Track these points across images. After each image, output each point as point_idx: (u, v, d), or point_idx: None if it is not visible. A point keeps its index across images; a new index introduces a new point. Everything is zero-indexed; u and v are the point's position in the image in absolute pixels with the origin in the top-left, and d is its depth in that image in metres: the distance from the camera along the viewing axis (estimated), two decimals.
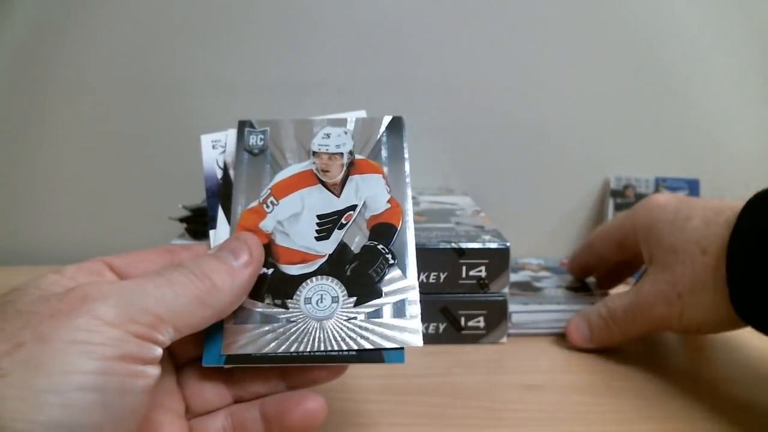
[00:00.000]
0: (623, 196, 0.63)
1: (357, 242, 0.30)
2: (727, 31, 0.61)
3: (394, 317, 0.27)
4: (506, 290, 0.43)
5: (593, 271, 0.50)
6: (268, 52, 0.61)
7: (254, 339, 0.27)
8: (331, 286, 0.28)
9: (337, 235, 0.30)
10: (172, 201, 0.49)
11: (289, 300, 0.28)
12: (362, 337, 0.27)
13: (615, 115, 0.63)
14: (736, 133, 0.64)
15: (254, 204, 0.31)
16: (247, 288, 0.26)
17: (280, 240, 0.30)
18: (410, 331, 0.27)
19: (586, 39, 0.61)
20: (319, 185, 0.31)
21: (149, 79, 0.62)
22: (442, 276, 0.42)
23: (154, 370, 0.22)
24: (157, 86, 0.62)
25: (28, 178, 0.64)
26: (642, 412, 0.35)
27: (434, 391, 0.37)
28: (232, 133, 0.32)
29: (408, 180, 0.31)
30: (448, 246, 0.42)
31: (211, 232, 0.30)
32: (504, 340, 0.44)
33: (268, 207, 0.30)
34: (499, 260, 0.42)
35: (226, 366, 0.27)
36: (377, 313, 0.28)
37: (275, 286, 0.28)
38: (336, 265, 0.29)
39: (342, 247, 0.29)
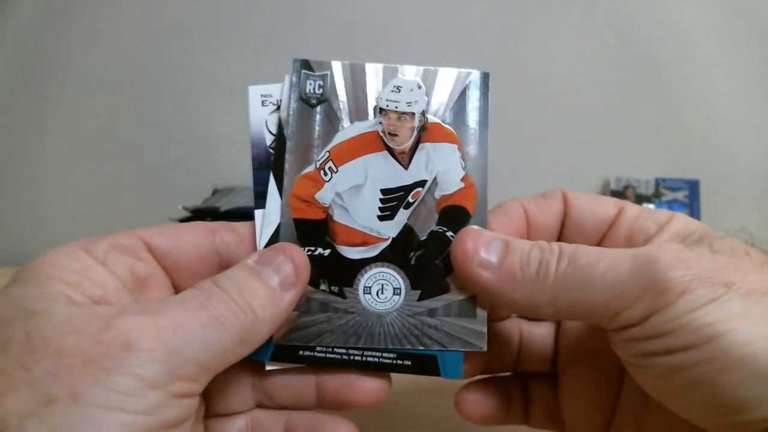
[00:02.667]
0: (623, 197, 0.63)
1: (424, 226, 0.26)
2: (727, 32, 0.61)
3: (460, 316, 0.25)
4: None
5: None
6: (268, 52, 0.61)
7: (308, 328, 0.24)
8: (394, 276, 0.25)
9: (402, 216, 0.26)
10: (172, 201, 0.49)
11: (348, 288, 0.25)
12: (425, 335, 0.24)
13: (615, 115, 0.63)
14: (735, 133, 0.64)
15: (310, 169, 0.26)
16: (288, 313, 0.23)
17: (338, 216, 0.26)
18: (475, 333, 0.24)
19: (587, 40, 0.62)
20: (385, 152, 0.26)
21: (149, 80, 0.62)
22: None
23: (189, 425, 0.20)
24: (157, 86, 0.62)
25: (28, 178, 0.64)
26: None
27: (434, 392, 0.37)
28: (288, 81, 0.27)
29: (488, 155, 0.26)
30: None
31: (257, 213, 0.26)
32: None
33: (326, 174, 0.26)
34: None
35: (269, 368, 0.25)
36: (442, 311, 0.25)
37: (332, 270, 0.25)
38: (399, 252, 0.25)
39: (407, 230, 0.26)
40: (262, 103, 0.27)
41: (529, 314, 0.24)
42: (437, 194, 0.26)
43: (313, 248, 0.25)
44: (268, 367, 0.25)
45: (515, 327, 0.28)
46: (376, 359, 0.25)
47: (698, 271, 0.20)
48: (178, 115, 0.63)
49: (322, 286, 0.25)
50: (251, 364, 0.25)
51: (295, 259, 0.23)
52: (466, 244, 0.23)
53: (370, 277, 0.25)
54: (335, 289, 0.25)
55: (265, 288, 0.22)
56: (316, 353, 0.25)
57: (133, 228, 0.24)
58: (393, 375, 0.38)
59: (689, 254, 0.20)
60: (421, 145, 0.26)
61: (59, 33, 0.60)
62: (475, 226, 0.25)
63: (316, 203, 0.26)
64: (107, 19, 0.60)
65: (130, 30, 0.61)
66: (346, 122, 0.26)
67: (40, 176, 0.64)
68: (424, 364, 0.25)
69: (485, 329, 0.24)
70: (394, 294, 0.25)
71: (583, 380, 0.26)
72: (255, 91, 0.27)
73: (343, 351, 0.25)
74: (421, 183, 0.26)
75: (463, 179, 0.26)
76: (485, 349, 0.24)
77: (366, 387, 0.25)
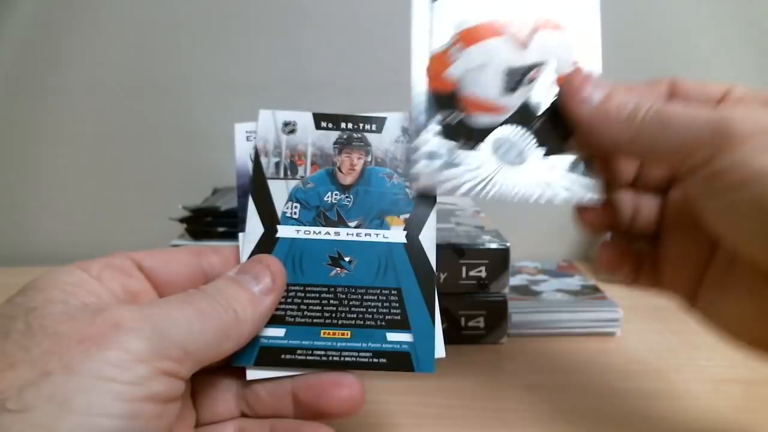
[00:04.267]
0: None
1: (545, 99, 0.29)
2: (728, 31, 0.61)
3: (579, 173, 0.29)
4: (506, 290, 0.43)
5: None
6: (268, 52, 0.61)
7: (446, 176, 0.28)
8: (521, 135, 0.29)
9: (524, 91, 0.29)
10: (172, 201, 0.49)
11: (480, 143, 0.29)
12: (553, 184, 0.28)
13: None
14: None
15: (439, 49, 0.30)
16: (268, 316, 0.25)
17: (465, 90, 0.29)
18: (590, 187, 0.29)
19: None
20: (506, 37, 0.30)
21: (149, 79, 0.62)
22: (442, 276, 0.42)
23: (175, 408, 0.21)
24: (157, 86, 0.62)
25: (28, 178, 0.64)
26: (642, 412, 0.35)
27: (434, 392, 0.37)
28: (263, 115, 0.30)
29: (600, 40, 0.30)
30: (449, 246, 0.42)
31: (240, 236, 0.28)
32: (504, 340, 0.44)
33: (453, 55, 0.30)
34: (499, 261, 0.42)
35: (250, 377, 0.26)
36: (568, 166, 0.29)
37: (464, 132, 0.29)
38: (524, 118, 0.29)
39: (529, 101, 0.29)
40: (247, 139, 0.29)
41: (610, 149, 0.28)
42: (555, 74, 0.30)
43: (447, 113, 0.29)
44: (249, 377, 0.26)
45: (629, 199, 0.31)
46: (354, 358, 0.27)
47: (764, 125, 0.22)
48: (178, 115, 0.63)
49: (460, 141, 0.29)
50: (235, 373, 0.26)
51: (272, 267, 0.26)
52: (575, 79, 0.28)
53: (498, 138, 0.29)
54: (469, 145, 0.29)
55: (244, 291, 0.24)
56: (297, 356, 0.26)
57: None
58: (396, 375, 0.38)
59: (759, 112, 0.23)
60: (538, 31, 0.30)
61: (59, 33, 0.60)
62: (588, 71, 0.29)
63: (444, 79, 0.29)
64: (107, 19, 0.60)
65: (131, 30, 0.61)
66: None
67: (40, 176, 0.64)
68: (399, 361, 0.27)
69: (599, 184, 0.29)
70: (522, 151, 0.29)
71: (681, 240, 0.30)
72: (240, 129, 0.30)
73: (322, 353, 0.26)
74: (539, 64, 0.30)
75: (574, 63, 0.30)
76: (596, 199, 0.29)
77: (337, 396, 0.26)
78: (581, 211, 0.30)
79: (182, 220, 0.48)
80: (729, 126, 0.23)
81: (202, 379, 0.27)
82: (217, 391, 0.27)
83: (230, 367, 0.27)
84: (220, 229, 0.47)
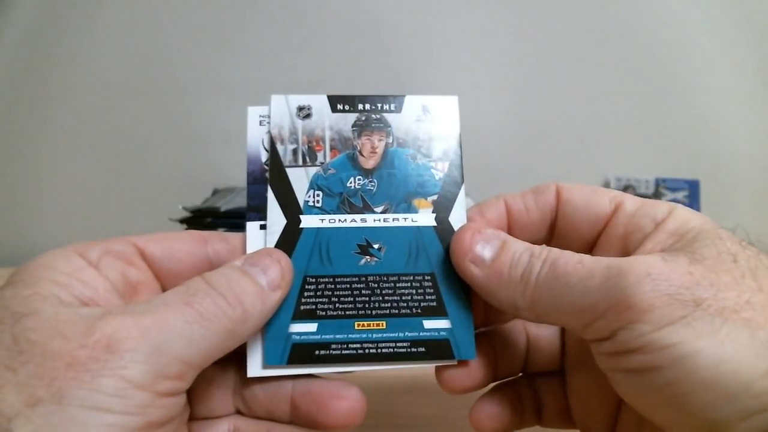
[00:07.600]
0: None
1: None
2: (727, 31, 0.61)
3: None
4: None
5: None
6: (268, 53, 0.61)
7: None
8: None
9: None
10: (172, 201, 0.49)
11: None
12: None
13: (615, 115, 0.63)
14: (736, 133, 0.64)
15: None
16: (273, 312, 0.24)
17: None
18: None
19: (587, 40, 0.62)
20: None
21: (149, 80, 0.62)
22: None
23: (174, 425, 0.20)
24: (156, 86, 0.62)
25: (28, 178, 0.64)
26: None
27: (434, 392, 0.37)
28: (276, 100, 0.28)
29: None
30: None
31: (250, 225, 0.26)
32: None
33: None
34: None
35: (251, 375, 0.25)
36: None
37: None
38: None
39: None
40: (260, 123, 0.28)
41: (511, 314, 0.25)
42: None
43: None
44: (250, 375, 0.25)
45: (521, 329, 0.28)
46: (391, 350, 0.25)
47: (667, 287, 0.19)
48: (178, 115, 0.63)
49: None
50: (234, 368, 0.25)
51: (282, 262, 0.24)
52: (464, 237, 0.24)
53: None
54: None
55: (254, 285, 0.22)
56: (331, 351, 0.25)
57: (131, 229, 0.24)
58: (388, 374, 0.38)
59: (662, 267, 0.19)
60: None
61: (59, 33, 0.60)
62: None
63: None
64: (107, 19, 0.60)
65: (131, 30, 0.61)
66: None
67: (40, 176, 0.64)
68: (438, 349, 0.25)
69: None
70: None
71: (589, 377, 0.26)
72: (253, 112, 0.28)
73: (358, 346, 0.25)
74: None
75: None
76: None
77: (337, 409, 0.24)
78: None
79: (182, 221, 0.48)
80: (625, 295, 0.19)
81: (200, 373, 0.26)
82: (214, 386, 0.25)
83: (229, 360, 0.26)
84: (221, 230, 0.47)
